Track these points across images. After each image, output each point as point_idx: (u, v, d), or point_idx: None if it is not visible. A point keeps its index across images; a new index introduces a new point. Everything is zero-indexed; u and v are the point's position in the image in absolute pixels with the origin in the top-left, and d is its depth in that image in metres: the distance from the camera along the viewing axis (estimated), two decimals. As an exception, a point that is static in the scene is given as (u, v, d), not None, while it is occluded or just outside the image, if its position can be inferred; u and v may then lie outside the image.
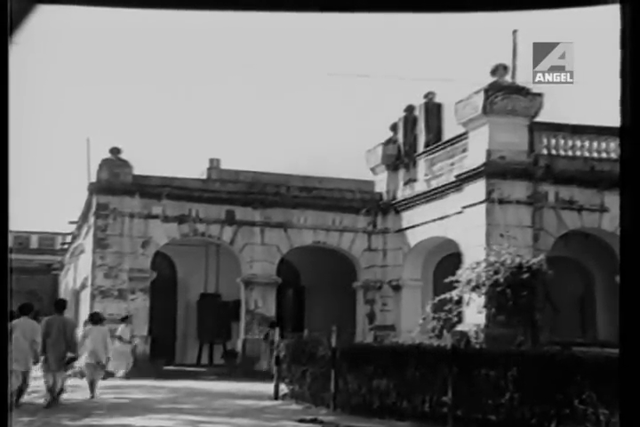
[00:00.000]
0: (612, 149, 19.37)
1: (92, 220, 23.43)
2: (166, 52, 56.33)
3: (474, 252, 18.09)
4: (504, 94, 18.63)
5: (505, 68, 19.24)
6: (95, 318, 17.39)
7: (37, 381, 16.84)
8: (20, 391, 13.16)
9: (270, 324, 21.89)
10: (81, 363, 16.48)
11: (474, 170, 18.92)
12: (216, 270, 26.42)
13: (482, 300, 16.70)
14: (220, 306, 25.73)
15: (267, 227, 23.72)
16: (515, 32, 21.24)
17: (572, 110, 21.84)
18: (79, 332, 17.54)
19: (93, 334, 16.60)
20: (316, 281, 26.50)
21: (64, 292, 38.07)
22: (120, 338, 20.91)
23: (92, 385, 15.81)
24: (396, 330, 22.75)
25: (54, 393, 13.82)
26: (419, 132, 23.58)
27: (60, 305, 14.94)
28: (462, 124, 19.80)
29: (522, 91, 18.74)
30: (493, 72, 18.99)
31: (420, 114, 23.81)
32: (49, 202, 64.70)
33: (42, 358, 13.57)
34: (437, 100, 23.68)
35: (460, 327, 17.19)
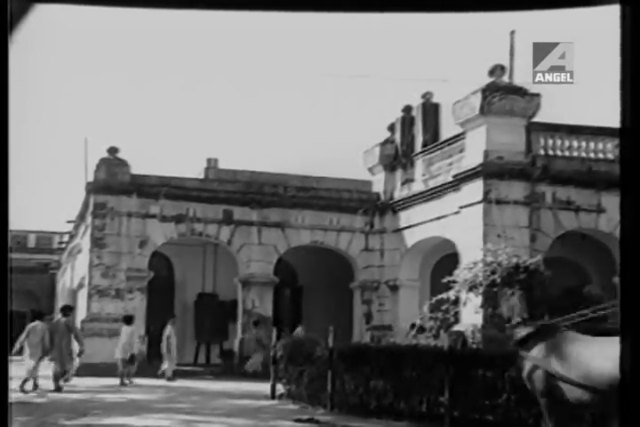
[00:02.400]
0: (609, 149, 19.38)
1: (89, 219, 23.42)
2: (164, 51, 56.33)
3: (471, 252, 18.08)
4: (501, 95, 18.64)
5: (502, 68, 19.25)
6: (128, 320, 19.96)
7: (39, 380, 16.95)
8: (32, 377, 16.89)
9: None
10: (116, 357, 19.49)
11: (471, 170, 18.92)
12: (213, 270, 26.43)
13: (479, 300, 16.68)
14: (217, 306, 25.73)
15: (264, 227, 23.72)
16: (512, 33, 21.25)
17: (570, 111, 21.86)
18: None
19: (125, 333, 19.58)
20: (313, 281, 26.50)
21: (61, 291, 38.05)
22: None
23: (122, 376, 18.98)
24: (393, 330, 22.75)
25: (59, 380, 17.06)
26: (416, 133, 23.59)
27: (67, 309, 18.36)
28: (460, 125, 19.80)
29: (519, 91, 18.75)
30: (491, 72, 19.00)
31: (417, 114, 23.82)
32: (46, 201, 64.67)
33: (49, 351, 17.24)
34: (435, 100, 23.70)
35: (456, 327, 17.19)
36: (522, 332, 8.09)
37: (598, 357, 6.90)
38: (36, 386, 16.92)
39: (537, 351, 7.75)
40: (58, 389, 16.92)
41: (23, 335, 17.25)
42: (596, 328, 8.00)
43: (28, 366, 16.90)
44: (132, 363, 19.43)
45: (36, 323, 17.60)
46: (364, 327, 24.09)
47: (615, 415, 6.96)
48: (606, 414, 7.62)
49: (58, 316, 18.66)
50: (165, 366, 20.65)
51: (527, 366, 7.90)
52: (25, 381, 16.70)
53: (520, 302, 8.67)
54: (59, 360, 17.31)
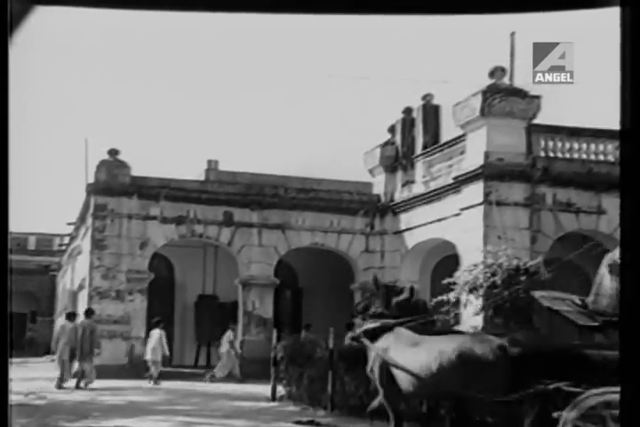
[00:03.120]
0: (609, 151, 19.38)
1: (89, 221, 23.42)
2: (165, 53, 56.35)
3: (471, 254, 18.09)
4: (502, 96, 18.64)
5: (503, 70, 19.25)
6: (157, 323, 20.84)
7: (35, 382, 16.97)
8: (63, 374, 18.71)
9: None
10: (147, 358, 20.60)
11: (472, 172, 18.92)
12: (214, 272, 26.42)
13: (479, 302, 16.70)
14: (217, 307, 25.71)
15: (264, 228, 23.71)
16: (513, 34, 21.24)
17: (570, 113, 21.86)
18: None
19: (155, 336, 20.47)
20: (313, 282, 26.49)
21: (61, 293, 38.05)
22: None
23: (151, 377, 20.03)
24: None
25: (81, 378, 18.56)
26: (416, 134, 23.57)
27: (90, 312, 19.75)
28: (460, 126, 19.81)
29: (520, 93, 18.75)
30: (491, 74, 19.01)
31: (417, 116, 23.81)
32: (47, 203, 64.67)
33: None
34: (435, 101, 23.68)
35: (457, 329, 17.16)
36: (367, 325, 9.52)
37: (422, 350, 8.39)
38: (77, 384, 18.52)
39: (380, 343, 9.08)
40: (77, 387, 18.44)
41: (56, 336, 19.81)
42: (427, 329, 9.36)
43: (59, 366, 18.87)
44: (157, 365, 20.33)
45: (65, 323, 19.41)
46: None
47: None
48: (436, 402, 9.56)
49: (82, 317, 19.93)
50: (219, 369, 21.49)
51: (372, 356, 9.25)
52: (62, 379, 18.59)
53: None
54: (78, 360, 18.80)
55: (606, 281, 7.96)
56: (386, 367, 8.90)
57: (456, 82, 24.25)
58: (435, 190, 21.13)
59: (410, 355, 8.54)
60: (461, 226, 19.39)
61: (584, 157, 19.48)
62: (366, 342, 9.40)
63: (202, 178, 25.70)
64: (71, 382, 18.72)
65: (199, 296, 26.31)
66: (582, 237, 19.87)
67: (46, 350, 39.19)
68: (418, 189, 22.44)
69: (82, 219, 26.67)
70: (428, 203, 21.58)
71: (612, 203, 18.65)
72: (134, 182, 22.84)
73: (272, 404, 15.33)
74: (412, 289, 10.35)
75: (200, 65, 58.63)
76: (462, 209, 19.38)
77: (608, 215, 18.87)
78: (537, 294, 11.67)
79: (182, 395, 17.10)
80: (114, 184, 22.60)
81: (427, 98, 23.55)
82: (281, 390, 15.75)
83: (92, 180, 23.03)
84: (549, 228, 18.96)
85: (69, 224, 31.71)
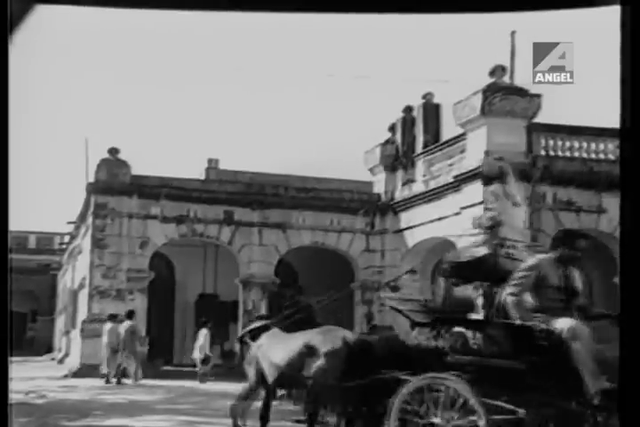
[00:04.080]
0: (610, 150, 19.38)
1: (90, 220, 23.42)
2: (165, 52, 56.35)
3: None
4: (502, 95, 18.63)
5: (503, 69, 19.25)
6: (204, 323, 21.46)
7: (35, 381, 17.00)
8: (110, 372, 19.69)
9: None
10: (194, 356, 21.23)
11: (472, 171, 18.92)
12: (214, 271, 26.43)
13: (480, 300, 16.68)
14: (218, 306, 25.71)
15: (265, 227, 23.71)
16: (513, 33, 21.25)
17: (571, 111, 21.86)
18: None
19: (202, 335, 21.04)
20: (314, 281, 26.47)
21: (62, 292, 38.07)
22: None
23: (202, 375, 20.59)
24: (394, 330, 22.72)
25: (122, 375, 19.55)
26: (417, 133, 23.57)
27: (132, 314, 20.50)
28: (460, 125, 19.80)
29: (520, 92, 18.75)
30: (492, 73, 19.00)
31: (418, 115, 23.80)
32: (47, 202, 64.75)
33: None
34: (436, 100, 23.68)
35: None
36: (250, 326, 10.83)
37: (284, 344, 9.40)
38: (118, 380, 19.32)
39: (259, 342, 10.15)
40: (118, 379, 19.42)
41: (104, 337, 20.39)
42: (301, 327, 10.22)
43: (105, 364, 20.02)
44: (207, 363, 20.89)
45: (109, 324, 20.25)
46: (365, 327, 24.06)
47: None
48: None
49: (124, 319, 20.45)
50: None
51: (251, 353, 10.27)
52: (107, 375, 19.63)
53: None
54: (123, 359, 19.80)
55: (440, 281, 8.66)
56: (256, 362, 10.05)
57: (456, 81, 24.27)
58: (435, 189, 21.12)
59: (275, 349, 9.65)
60: (462, 225, 19.36)
61: (585, 155, 19.48)
62: (249, 341, 10.52)
63: (202, 177, 25.72)
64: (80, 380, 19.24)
65: (200, 295, 26.32)
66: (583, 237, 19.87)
67: (47, 349, 39.26)
68: (418, 187, 22.44)
69: (82, 218, 26.68)
70: (428, 202, 21.58)
71: (612, 202, 18.65)
72: (135, 181, 22.84)
73: (272, 403, 15.29)
74: (292, 294, 11.66)
75: (201, 64, 58.60)
76: (463, 208, 19.37)
77: (609, 214, 18.87)
78: (382, 295, 12.60)
79: (183, 394, 17.09)
80: (114, 183, 22.60)
81: (427, 97, 23.55)
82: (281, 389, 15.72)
83: (92, 179, 23.05)
84: (550, 227, 18.95)
85: (70, 223, 31.73)
